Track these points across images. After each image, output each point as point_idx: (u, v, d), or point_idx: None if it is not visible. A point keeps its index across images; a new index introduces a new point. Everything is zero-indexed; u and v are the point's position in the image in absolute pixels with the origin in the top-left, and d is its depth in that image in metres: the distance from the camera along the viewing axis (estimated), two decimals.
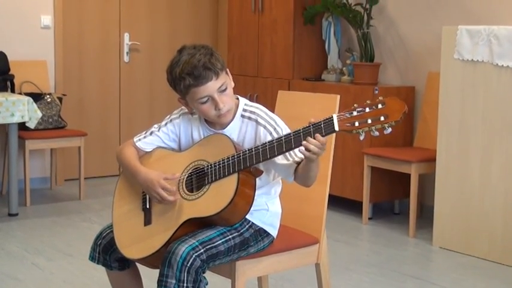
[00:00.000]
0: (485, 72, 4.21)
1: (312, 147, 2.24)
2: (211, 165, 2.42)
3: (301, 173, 2.39)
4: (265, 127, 2.48)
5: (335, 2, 5.49)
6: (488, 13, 4.78)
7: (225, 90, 2.46)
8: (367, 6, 5.34)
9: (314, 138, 2.24)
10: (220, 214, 2.34)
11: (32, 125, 5.01)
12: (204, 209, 2.37)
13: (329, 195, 2.79)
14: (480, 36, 4.22)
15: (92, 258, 2.63)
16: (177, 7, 6.83)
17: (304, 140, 2.25)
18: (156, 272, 2.38)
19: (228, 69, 2.51)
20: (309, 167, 2.34)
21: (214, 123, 2.54)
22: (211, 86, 2.42)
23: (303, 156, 2.31)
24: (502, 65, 4.11)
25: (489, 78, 4.20)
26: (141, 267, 2.65)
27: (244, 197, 2.37)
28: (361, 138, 2.24)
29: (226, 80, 2.47)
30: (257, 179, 2.43)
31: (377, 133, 2.22)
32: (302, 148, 2.28)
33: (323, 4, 5.44)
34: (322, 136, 2.25)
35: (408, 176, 4.78)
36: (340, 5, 5.39)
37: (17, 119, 4.87)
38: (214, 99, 2.44)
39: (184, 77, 2.41)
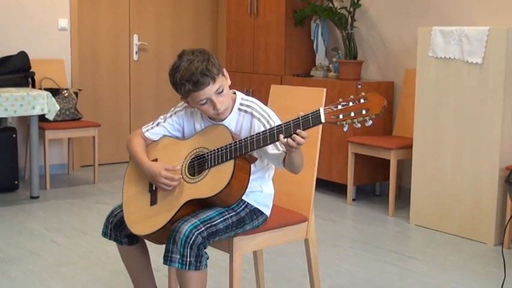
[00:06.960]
0: (457, 68, 4.21)
1: (290, 142, 2.25)
2: (211, 152, 2.42)
3: (287, 162, 2.40)
4: (259, 119, 2.47)
5: (322, 5, 5.49)
6: (460, 15, 4.77)
7: (221, 92, 2.44)
8: (351, 9, 5.33)
9: (297, 134, 2.24)
10: (218, 196, 2.34)
11: (51, 117, 5.00)
12: (203, 191, 2.37)
13: (317, 178, 2.79)
14: (452, 36, 4.22)
15: (105, 234, 2.63)
16: (181, 11, 6.81)
17: (294, 131, 2.25)
18: (162, 248, 2.38)
19: (224, 70, 2.49)
20: (291, 157, 2.35)
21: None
22: (209, 90, 2.40)
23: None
24: (472, 62, 4.11)
25: (460, 74, 4.20)
26: (149, 244, 2.66)
27: (239, 180, 2.36)
28: (345, 129, 2.22)
29: (222, 82, 2.45)
30: (252, 165, 2.43)
31: (359, 125, 2.20)
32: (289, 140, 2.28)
33: (311, 8, 5.43)
34: (310, 127, 2.24)
35: (388, 161, 4.79)
36: (327, 9, 5.39)
37: (37, 111, 4.86)
38: (212, 101, 2.42)
39: (184, 83, 2.39)
